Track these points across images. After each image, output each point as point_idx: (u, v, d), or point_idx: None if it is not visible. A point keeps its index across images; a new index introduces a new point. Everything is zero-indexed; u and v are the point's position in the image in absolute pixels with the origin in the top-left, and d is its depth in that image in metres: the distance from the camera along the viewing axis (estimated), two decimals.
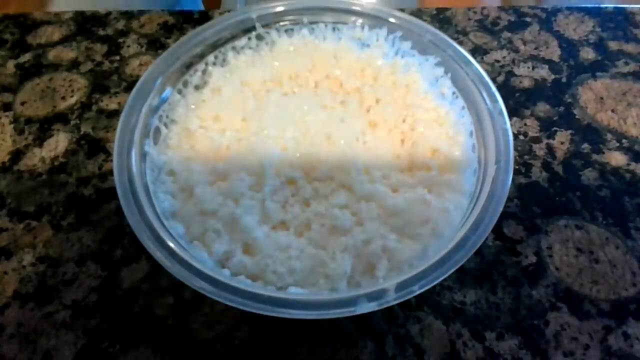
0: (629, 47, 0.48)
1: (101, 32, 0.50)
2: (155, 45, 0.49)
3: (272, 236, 0.31)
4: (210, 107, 0.37)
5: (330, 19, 0.39)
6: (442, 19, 0.51)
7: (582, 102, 0.44)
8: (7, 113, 0.44)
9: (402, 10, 0.47)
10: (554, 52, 0.48)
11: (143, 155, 0.32)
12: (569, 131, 0.42)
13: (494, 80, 0.45)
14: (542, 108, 0.44)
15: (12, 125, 0.43)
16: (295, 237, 0.31)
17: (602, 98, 0.44)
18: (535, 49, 0.48)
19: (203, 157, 0.34)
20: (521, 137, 0.41)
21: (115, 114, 0.43)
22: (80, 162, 0.40)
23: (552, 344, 0.31)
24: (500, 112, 0.32)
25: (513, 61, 0.47)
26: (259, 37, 0.39)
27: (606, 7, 0.52)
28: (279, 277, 0.29)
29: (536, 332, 0.31)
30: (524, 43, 0.49)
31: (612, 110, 0.43)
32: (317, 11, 0.39)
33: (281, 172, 0.33)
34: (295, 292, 0.28)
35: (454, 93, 0.36)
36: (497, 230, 0.36)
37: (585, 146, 0.41)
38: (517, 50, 0.48)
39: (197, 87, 0.37)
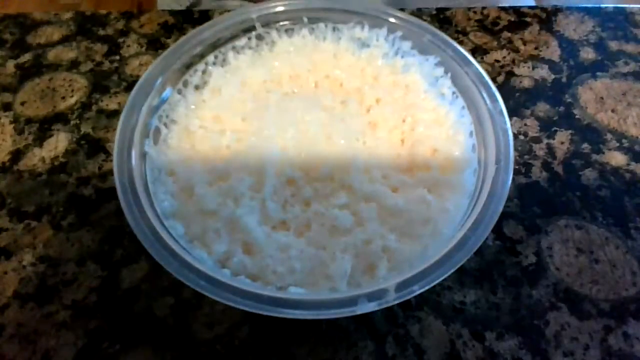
0: (629, 47, 0.48)
1: (101, 32, 0.50)
2: (155, 45, 0.49)
3: (272, 236, 0.31)
4: (210, 107, 0.37)
5: (330, 19, 0.39)
6: (442, 19, 0.51)
7: (582, 102, 0.44)
8: (7, 113, 0.44)
9: (402, 10, 0.47)
10: (554, 52, 0.48)
11: (143, 155, 0.32)
12: (569, 131, 0.42)
13: (494, 80, 0.45)
14: (542, 108, 0.44)
15: (12, 125, 0.43)
16: (295, 237, 0.31)
17: (602, 98, 0.44)
18: (535, 49, 0.48)
19: (203, 157, 0.34)
20: (521, 137, 0.41)
21: (115, 114, 0.43)
22: (80, 162, 0.40)
23: (552, 344, 0.31)
24: (500, 112, 0.32)
25: (513, 61, 0.47)
26: (259, 37, 0.39)
27: (606, 7, 0.52)
28: (279, 277, 0.29)
29: (536, 332, 0.31)
30: (524, 43, 0.49)
31: (612, 110, 0.43)
32: (317, 11, 0.39)
33: (281, 172, 0.33)
34: (295, 292, 0.28)
35: (454, 93, 0.36)
36: (497, 230, 0.36)
37: (585, 146, 0.41)
38: (517, 50, 0.48)
39: (197, 87, 0.37)
